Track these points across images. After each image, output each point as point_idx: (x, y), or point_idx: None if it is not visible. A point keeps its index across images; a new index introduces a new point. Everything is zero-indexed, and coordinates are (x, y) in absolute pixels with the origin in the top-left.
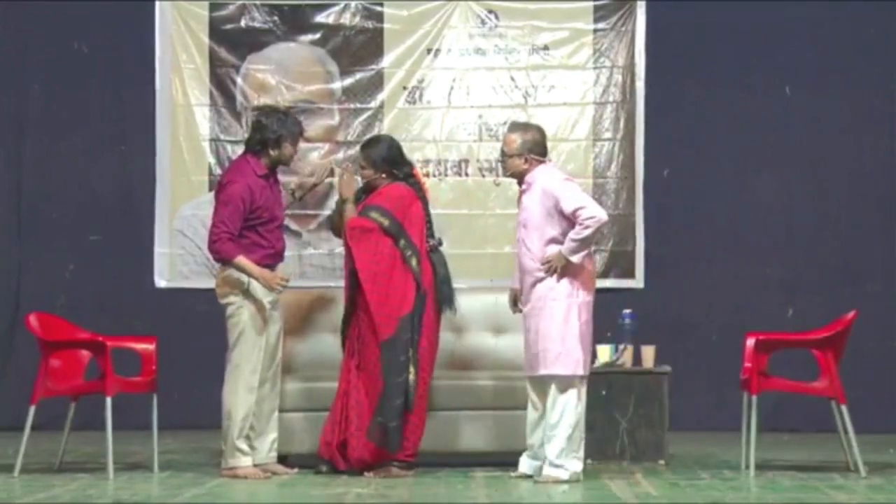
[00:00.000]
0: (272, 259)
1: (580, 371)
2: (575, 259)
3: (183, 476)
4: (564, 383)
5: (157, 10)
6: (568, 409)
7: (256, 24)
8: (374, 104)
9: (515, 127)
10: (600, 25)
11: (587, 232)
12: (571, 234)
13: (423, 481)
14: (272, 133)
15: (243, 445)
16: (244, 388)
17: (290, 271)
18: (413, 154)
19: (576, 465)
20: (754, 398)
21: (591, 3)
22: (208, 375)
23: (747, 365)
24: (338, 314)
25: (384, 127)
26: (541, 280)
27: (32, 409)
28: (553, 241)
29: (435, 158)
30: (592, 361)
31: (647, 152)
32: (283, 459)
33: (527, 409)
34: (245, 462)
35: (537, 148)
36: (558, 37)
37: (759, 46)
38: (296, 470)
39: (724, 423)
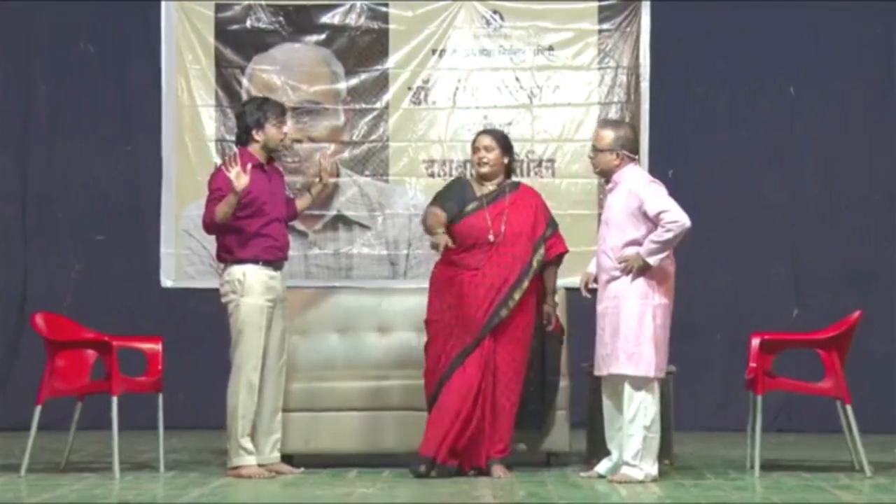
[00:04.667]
0: (275, 254)
1: (651, 373)
2: (652, 261)
3: (188, 476)
4: (637, 384)
5: (163, 10)
6: (641, 410)
7: (262, 25)
8: (379, 105)
9: (607, 123)
10: (605, 26)
11: (668, 235)
12: (652, 236)
13: (428, 481)
14: (251, 118)
15: (248, 444)
16: (245, 387)
17: (296, 271)
18: (418, 154)
19: (651, 466)
20: (759, 398)
21: (596, 4)
22: (214, 375)
23: (752, 365)
24: (342, 314)
25: (389, 127)
26: (616, 279)
27: (38, 409)
28: (633, 242)
29: (440, 159)
30: None
31: (651, 153)
32: (287, 459)
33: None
34: (249, 461)
35: (630, 145)
36: (563, 37)
37: (763, 47)
38: (301, 469)
39: (729, 423)
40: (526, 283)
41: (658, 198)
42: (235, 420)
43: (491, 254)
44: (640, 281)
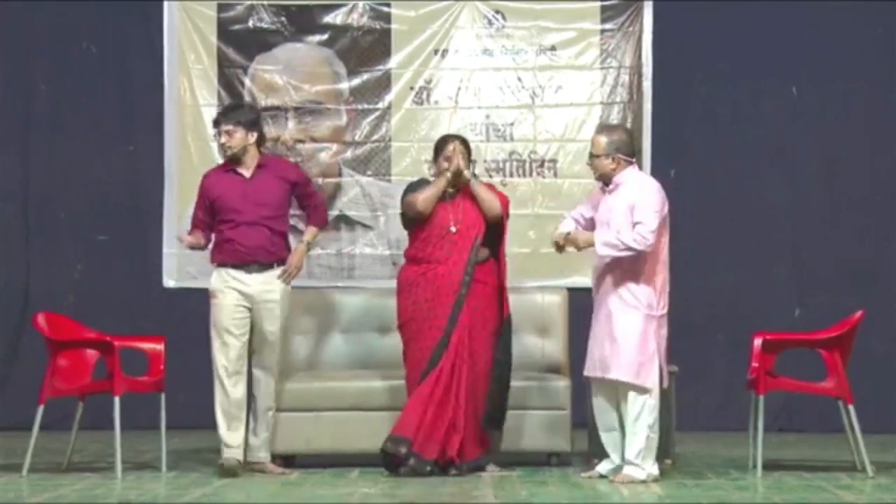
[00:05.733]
0: (241, 257)
1: (657, 384)
2: (600, 252)
3: (190, 476)
4: (640, 388)
5: (165, 10)
6: (646, 409)
7: (264, 25)
8: (381, 105)
9: (601, 128)
10: (607, 26)
11: (629, 242)
12: (619, 234)
13: (430, 480)
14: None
15: (227, 438)
16: (218, 385)
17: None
18: (420, 154)
19: (652, 466)
20: (761, 398)
21: (599, 4)
22: None
23: (754, 365)
24: (344, 314)
25: (392, 127)
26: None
27: (40, 409)
28: None
29: None
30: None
31: (653, 153)
32: (289, 459)
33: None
34: (228, 454)
35: (624, 147)
36: (565, 37)
37: (765, 46)
38: (290, 471)
39: (730, 423)
40: (475, 255)
41: (647, 210)
42: (217, 417)
43: (455, 242)
44: (645, 289)
